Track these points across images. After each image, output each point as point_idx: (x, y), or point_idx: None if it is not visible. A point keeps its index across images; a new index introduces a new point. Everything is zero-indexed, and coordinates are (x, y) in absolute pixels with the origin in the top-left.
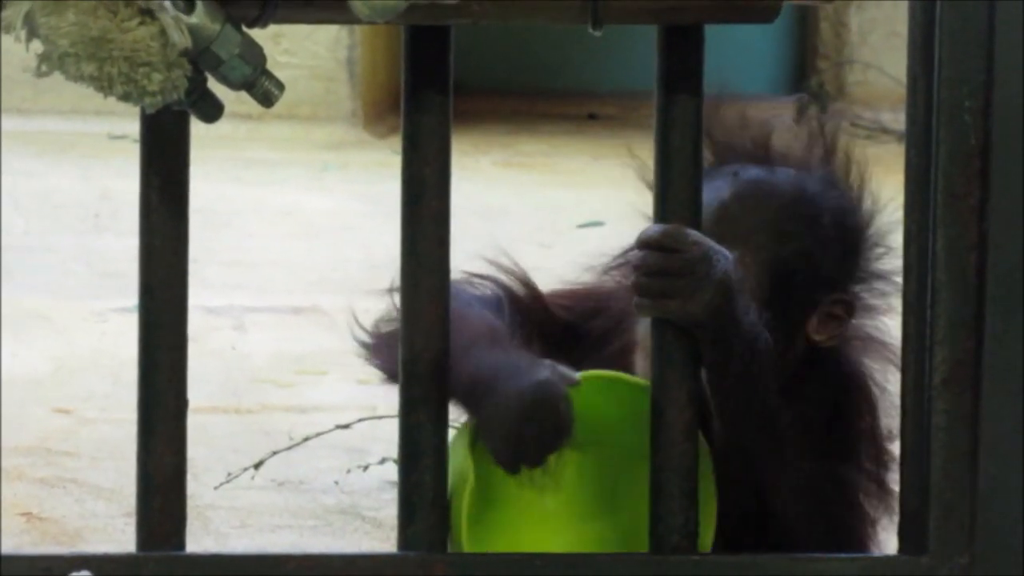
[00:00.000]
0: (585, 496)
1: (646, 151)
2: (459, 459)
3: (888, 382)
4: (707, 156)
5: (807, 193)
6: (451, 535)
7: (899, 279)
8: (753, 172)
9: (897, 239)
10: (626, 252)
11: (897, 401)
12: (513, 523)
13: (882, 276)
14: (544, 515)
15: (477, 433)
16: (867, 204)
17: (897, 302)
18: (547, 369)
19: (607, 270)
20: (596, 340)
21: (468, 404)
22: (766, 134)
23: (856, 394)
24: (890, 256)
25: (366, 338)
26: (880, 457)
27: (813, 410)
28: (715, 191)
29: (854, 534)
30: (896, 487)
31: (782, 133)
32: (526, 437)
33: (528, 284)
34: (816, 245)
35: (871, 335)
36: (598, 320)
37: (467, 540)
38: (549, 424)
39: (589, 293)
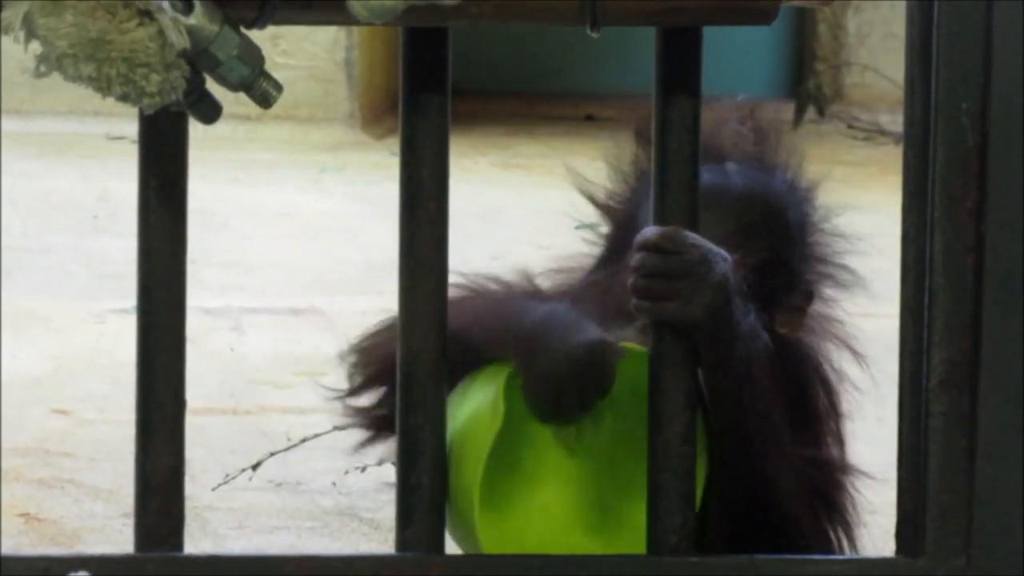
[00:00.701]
0: (607, 463)
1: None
2: (475, 403)
3: (842, 362)
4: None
5: (761, 189)
6: (457, 478)
7: (856, 265)
8: (705, 173)
9: (846, 224)
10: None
11: (853, 382)
12: (535, 475)
13: (837, 264)
14: (565, 471)
15: (515, 380)
16: (815, 194)
17: (855, 289)
18: (598, 330)
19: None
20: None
21: (517, 351)
22: (712, 133)
23: (814, 376)
24: (842, 243)
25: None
26: (840, 434)
27: (779, 397)
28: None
29: (844, 512)
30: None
31: (726, 131)
32: (571, 392)
33: (529, 279)
34: (776, 240)
35: (826, 320)
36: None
37: (481, 484)
38: (595, 383)
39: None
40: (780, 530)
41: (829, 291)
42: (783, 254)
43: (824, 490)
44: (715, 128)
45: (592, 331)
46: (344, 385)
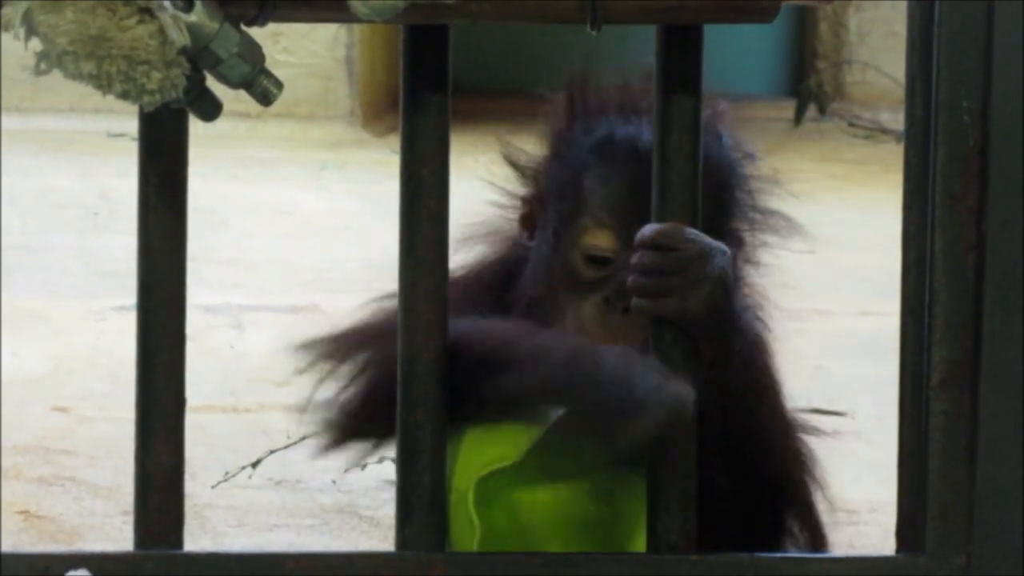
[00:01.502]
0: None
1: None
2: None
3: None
4: (581, 132)
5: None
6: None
7: (788, 217)
8: (625, 130)
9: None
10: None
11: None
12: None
13: (766, 211)
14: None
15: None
16: (738, 145)
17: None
18: (675, 380)
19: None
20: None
21: (593, 411)
22: (631, 93)
23: (747, 334)
24: (769, 191)
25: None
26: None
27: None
28: (620, 171)
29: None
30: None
31: (642, 89)
32: (659, 448)
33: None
34: (708, 188)
35: (751, 277)
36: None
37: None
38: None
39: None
40: (788, 522)
41: (764, 237)
42: (708, 201)
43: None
44: (628, 88)
45: (670, 382)
46: (316, 384)
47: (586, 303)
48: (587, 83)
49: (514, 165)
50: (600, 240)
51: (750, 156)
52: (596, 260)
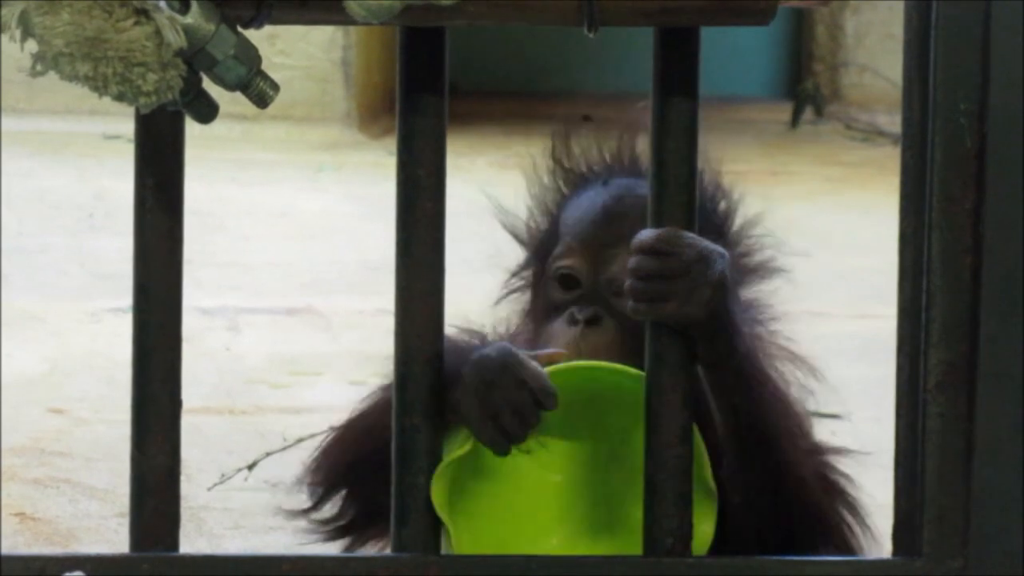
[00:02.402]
0: (575, 487)
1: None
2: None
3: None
4: (561, 181)
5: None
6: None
7: (773, 267)
8: (622, 180)
9: (759, 228)
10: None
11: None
12: (502, 496)
13: (754, 269)
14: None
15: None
16: (728, 198)
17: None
18: (504, 343)
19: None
20: None
21: (452, 400)
22: (629, 146)
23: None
24: (758, 247)
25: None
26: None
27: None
28: (589, 199)
29: (851, 498)
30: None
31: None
32: (499, 407)
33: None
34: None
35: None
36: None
37: (449, 510)
38: (519, 390)
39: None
40: (801, 520)
41: (752, 282)
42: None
43: (831, 477)
44: (625, 140)
45: (497, 343)
46: (305, 501)
47: (555, 323)
48: (569, 139)
49: (515, 235)
50: (569, 261)
51: (736, 204)
52: (566, 282)
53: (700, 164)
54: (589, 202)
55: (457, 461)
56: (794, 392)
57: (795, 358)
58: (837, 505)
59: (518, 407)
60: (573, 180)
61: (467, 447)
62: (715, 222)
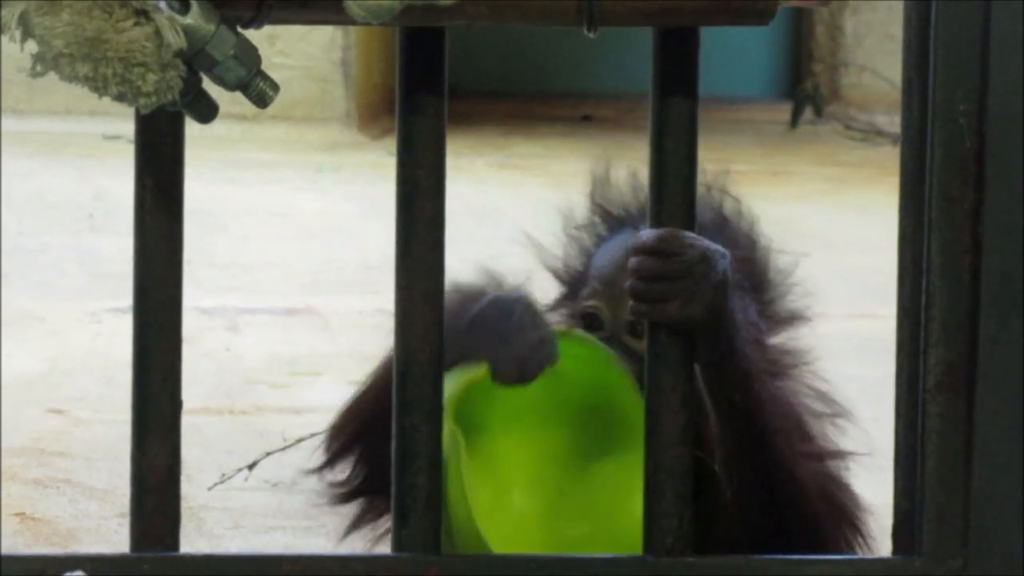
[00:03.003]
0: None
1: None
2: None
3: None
4: (598, 222)
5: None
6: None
7: (810, 314)
8: (632, 215)
9: (795, 276)
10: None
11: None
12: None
13: (791, 315)
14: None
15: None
16: (763, 247)
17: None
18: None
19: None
20: None
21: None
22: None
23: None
24: (792, 293)
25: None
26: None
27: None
28: (619, 243)
29: (850, 505)
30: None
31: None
32: (515, 336)
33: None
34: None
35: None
36: None
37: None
38: (534, 325)
39: None
40: (797, 526)
41: (775, 325)
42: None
43: (831, 483)
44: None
45: (516, 291)
46: (319, 461)
47: None
48: (608, 181)
49: (549, 269)
50: (593, 302)
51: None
52: (591, 321)
53: (730, 209)
54: (618, 246)
55: (471, 384)
56: (802, 397)
57: (825, 398)
58: (834, 517)
59: (534, 341)
60: (609, 222)
61: (482, 372)
62: (750, 270)
